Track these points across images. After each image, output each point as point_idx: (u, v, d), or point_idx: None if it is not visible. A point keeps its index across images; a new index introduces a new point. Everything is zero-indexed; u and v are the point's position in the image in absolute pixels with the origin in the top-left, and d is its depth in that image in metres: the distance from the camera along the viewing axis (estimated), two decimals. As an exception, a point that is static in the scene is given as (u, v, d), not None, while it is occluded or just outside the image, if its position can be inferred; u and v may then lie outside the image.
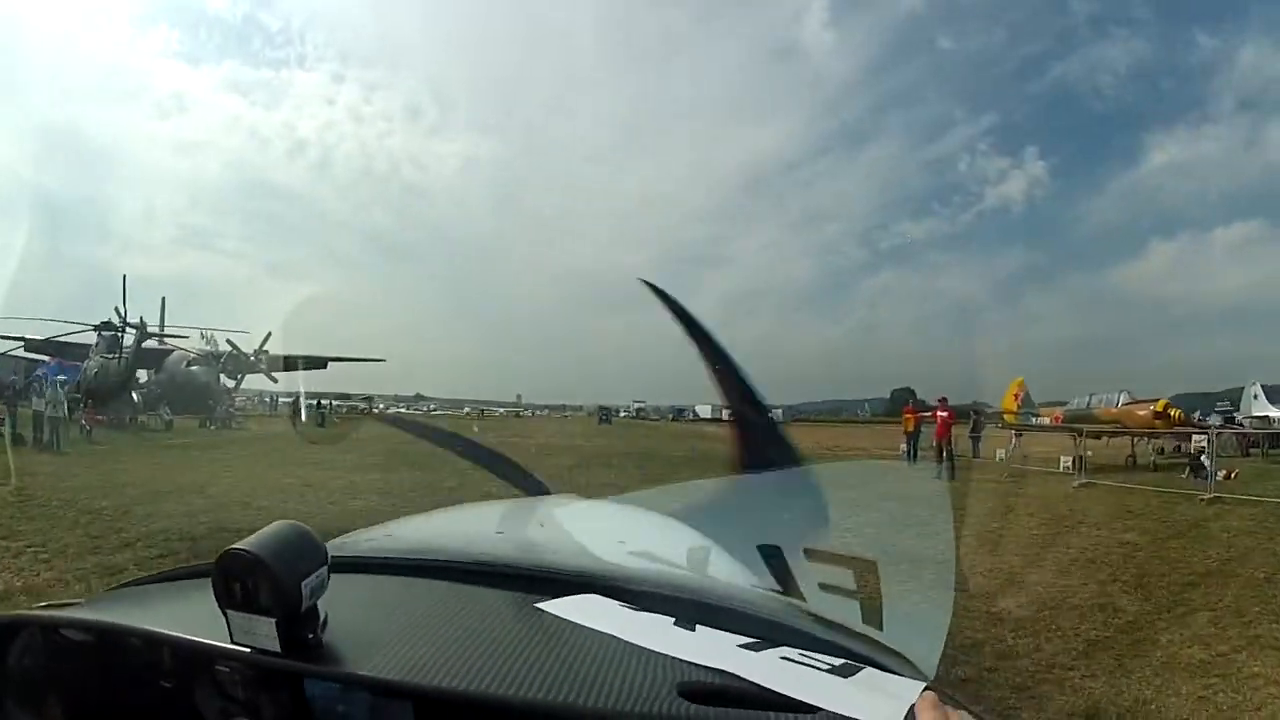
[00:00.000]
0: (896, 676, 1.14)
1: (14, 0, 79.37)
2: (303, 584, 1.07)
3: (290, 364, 52.41)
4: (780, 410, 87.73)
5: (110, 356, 39.63)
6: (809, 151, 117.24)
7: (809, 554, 1.84)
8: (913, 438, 25.45)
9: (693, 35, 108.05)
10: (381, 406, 73.23)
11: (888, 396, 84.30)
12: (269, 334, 50.47)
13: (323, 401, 71.60)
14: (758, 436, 2.84)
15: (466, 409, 76.41)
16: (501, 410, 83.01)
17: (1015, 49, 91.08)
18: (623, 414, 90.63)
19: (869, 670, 1.12)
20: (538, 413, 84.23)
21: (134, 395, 41.07)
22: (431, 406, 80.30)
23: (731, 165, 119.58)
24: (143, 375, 44.82)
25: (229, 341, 50.48)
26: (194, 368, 45.34)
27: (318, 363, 53.84)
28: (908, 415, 26.42)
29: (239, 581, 1.07)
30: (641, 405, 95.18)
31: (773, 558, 1.87)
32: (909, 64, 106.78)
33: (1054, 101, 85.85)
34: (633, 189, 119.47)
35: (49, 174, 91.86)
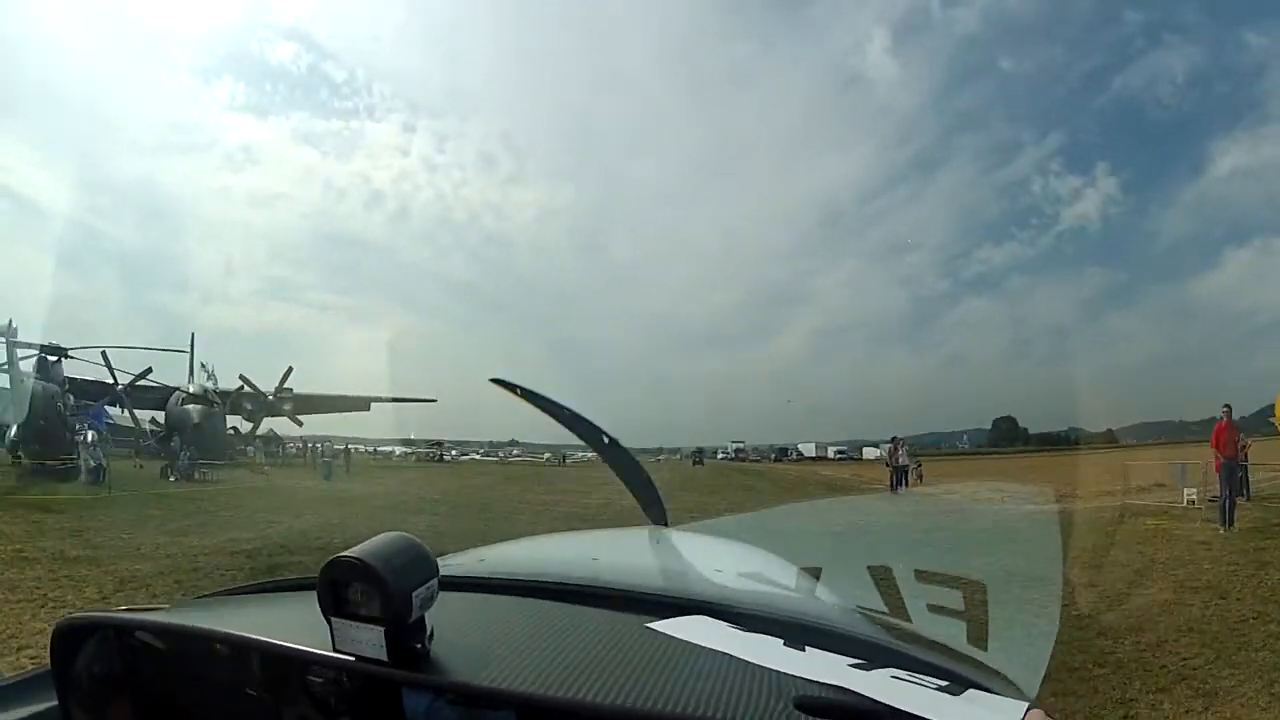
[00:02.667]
0: (1001, 697, 1.10)
1: (73, 53, 77.41)
2: (414, 594, 1.03)
3: (322, 405, 44.92)
4: (889, 445, 77.81)
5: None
6: (883, 181, 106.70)
7: (919, 575, 1.83)
8: (1228, 471, 15.63)
9: (758, 70, 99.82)
10: (454, 453, 66.75)
11: (988, 427, 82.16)
12: (289, 369, 43.39)
13: (379, 448, 65.92)
14: (622, 461, 2.98)
15: (547, 455, 69.09)
16: (590, 455, 70.78)
17: (1074, 64, 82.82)
18: (720, 455, 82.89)
19: (974, 690, 1.10)
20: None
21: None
22: (515, 452, 74.63)
23: (808, 200, 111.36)
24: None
25: (241, 378, 42.71)
26: (188, 407, 37.84)
27: (356, 404, 45.85)
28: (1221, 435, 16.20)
29: (347, 589, 1.03)
30: (740, 445, 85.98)
31: (882, 579, 1.85)
32: (973, 87, 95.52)
33: (1118, 115, 77.15)
34: (712, 228, 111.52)
35: (122, 227, 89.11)
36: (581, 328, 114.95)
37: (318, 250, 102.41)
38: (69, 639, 1.34)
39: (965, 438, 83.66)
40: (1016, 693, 1.20)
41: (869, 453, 78.99)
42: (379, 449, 67.00)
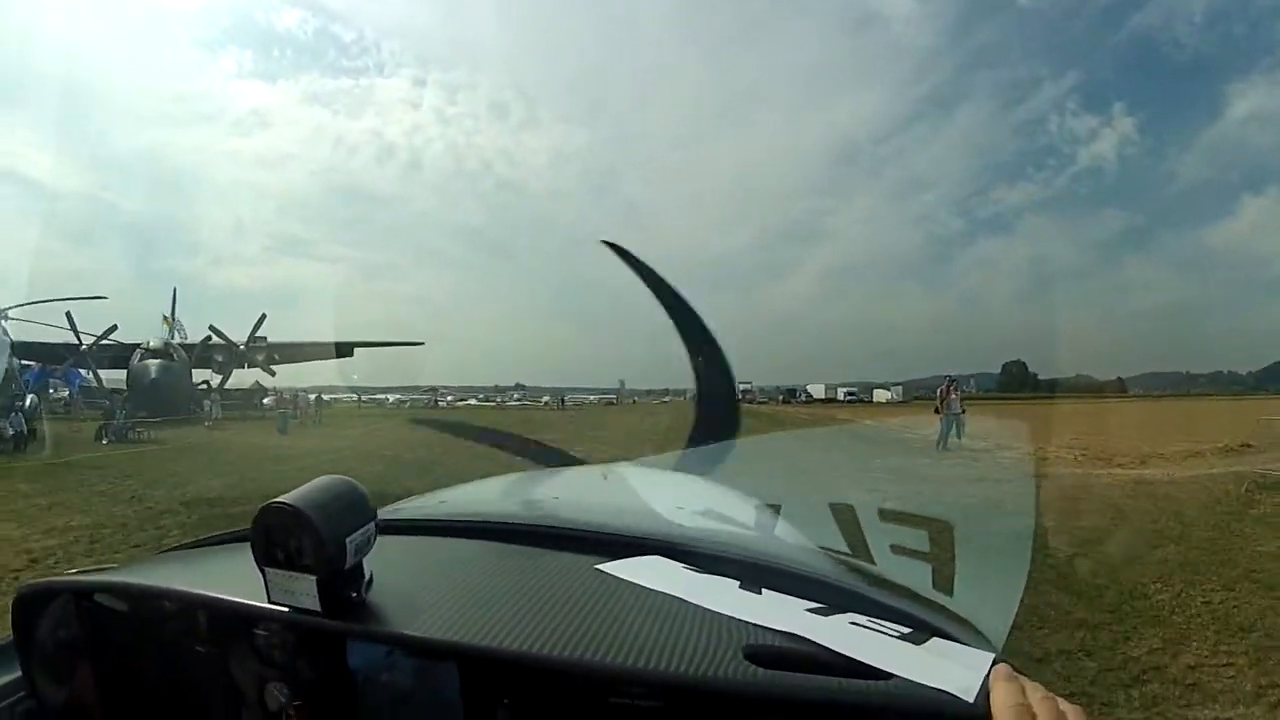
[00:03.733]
0: (966, 647, 1.04)
1: (77, 33, 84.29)
2: (347, 540, 0.99)
3: (303, 353, 41.85)
4: (899, 388, 79.92)
5: None
6: (900, 120, 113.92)
7: (882, 514, 1.80)
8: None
9: (772, 12, 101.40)
10: (449, 399, 64.88)
11: (997, 371, 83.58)
12: (261, 317, 40.30)
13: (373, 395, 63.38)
14: (718, 411, 2.90)
15: (545, 399, 70.56)
16: (593, 398, 77.27)
17: (1092, 1, 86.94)
18: None
19: (938, 640, 1.05)
20: (638, 399, 77.15)
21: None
22: (516, 397, 75.75)
23: (823, 140, 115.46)
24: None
25: (211, 329, 39.48)
26: (146, 362, 35.19)
27: (339, 350, 42.72)
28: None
29: (281, 537, 0.99)
30: (747, 386, 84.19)
31: (844, 517, 1.79)
32: (990, 23, 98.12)
33: (1135, 53, 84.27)
34: (726, 170, 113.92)
35: (131, 197, 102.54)
36: (592, 270, 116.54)
37: (328, 205, 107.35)
38: (27, 607, 1.31)
39: (971, 381, 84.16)
40: (983, 643, 1.12)
41: (879, 394, 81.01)
42: (374, 398, 66.75)
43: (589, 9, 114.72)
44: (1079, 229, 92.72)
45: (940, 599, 1.41)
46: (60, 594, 1.33)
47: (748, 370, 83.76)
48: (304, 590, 0.99)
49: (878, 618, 1.08)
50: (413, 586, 1.13)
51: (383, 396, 67.89)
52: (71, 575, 1.38)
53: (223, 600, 1.10)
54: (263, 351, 40.27)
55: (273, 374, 41.62)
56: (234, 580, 1.11)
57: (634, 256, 2.78)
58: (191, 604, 1.19)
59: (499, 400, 70.74)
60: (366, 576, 1.05)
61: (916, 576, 1.54)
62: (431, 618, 1.02)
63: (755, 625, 1.03)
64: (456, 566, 1.29)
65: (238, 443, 23.74)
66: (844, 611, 1.10)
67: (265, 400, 40.87)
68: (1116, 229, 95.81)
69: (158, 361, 35.06)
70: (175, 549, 1.66)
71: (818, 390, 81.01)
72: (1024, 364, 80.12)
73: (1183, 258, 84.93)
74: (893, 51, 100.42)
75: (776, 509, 1.94)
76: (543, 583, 1.18)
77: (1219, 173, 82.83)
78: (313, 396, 39.87)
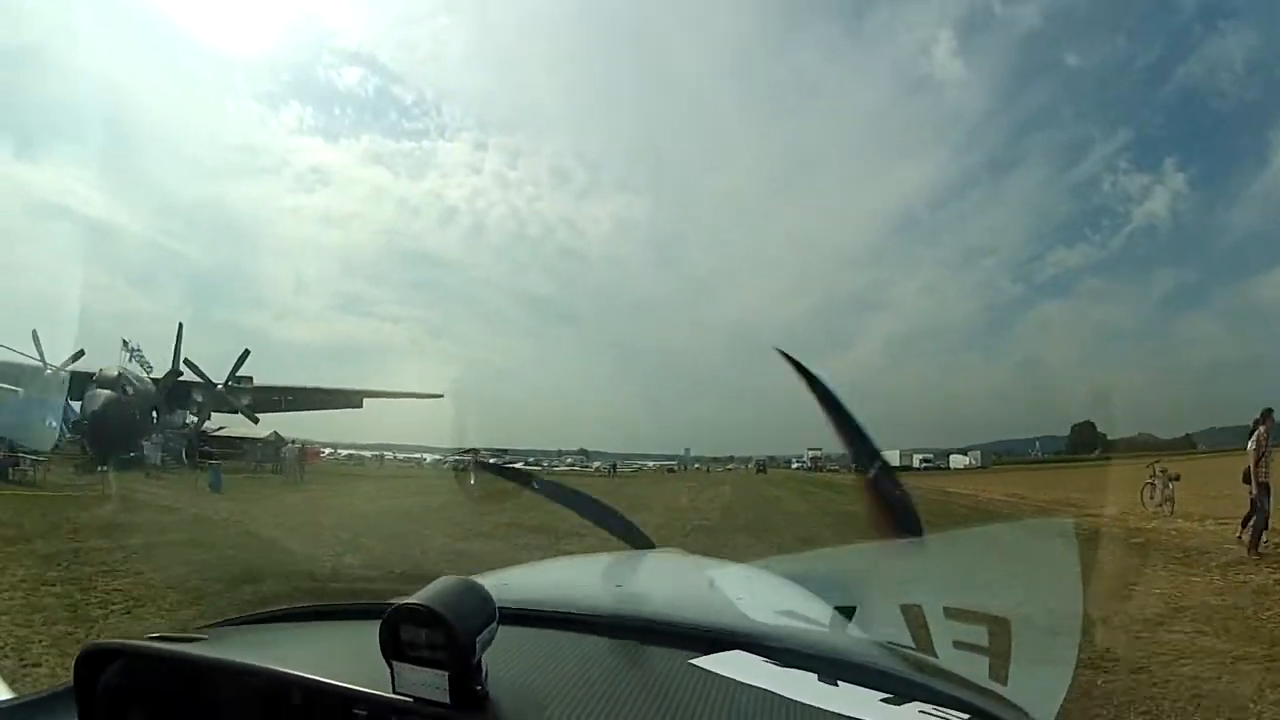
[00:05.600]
0: None
1: (136, 84, 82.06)
2: (477, 639, 1.04)
3: (297, 399, 34.69)
4: (978, 453, 74.83)
5: None
6: (955, 185, 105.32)
7: (948, 612, 1.78)
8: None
9: (823, 79, 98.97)
10: (492, 461, 57.60)
11: (1061, 433, 79.45)
12: (244, 354, 33.33)
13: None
14: (890, 497, 2.54)
15: (596, 464, 66.03)
16: (652, 465, 71.68)
17: (1136, 57, 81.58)
18: (795, 464, 75.45)
19: None
20: (700, 466, 72.26)
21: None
22: (569, 461, 70.64)
23: (881, 207, 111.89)
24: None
25: (186, 362, 32.36)
26: (96, 392, 29.19)
27: (342, 399, 35.60)
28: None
29: (410, 633, 1.03)
30: (818, 453, 76.49)
31: (912, 615, 1.81)
32: (1040, 85, 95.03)
33: (1180, 108, 74.78)
34: (785, 238, 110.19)
35: (194, 246, 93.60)
36: (655, 338, 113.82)
37: (392, 267, 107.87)
38: (93, 664, 1.29)
39: (1036, 445, 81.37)
40: None
41: (956, 460, 72.23)
42: (411, 457, 62.26)
43: (647, 75, 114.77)
44: (1135, 288, 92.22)
45: (997, 688, 1.43)
46: (130, 656, 1.31)
47: (817, 438, 78.30)
48: (434, 684, 1.02)
49: (943, 705, 1.15)
50: (528, 681, 1.17)
51: (420, 456, 62.62)
52: (149, 640, 1.36)
53: (341, 687, 1.11)
54: (247, 394, 33.17)
55: (255, 420, 34.62)
56: (340, 664, 1.16)
57: (803, 365, 2.58)
58: (289, 684, 1.17)
59: (546, 465, 63.57)
60: (485, 670, 1.07)
61: (976, 668, 1.57)
62: (551, 712, 1.08)
63: (837, 714, 1.08)
64: (563, 659, 1.32)
65: (139, 498, 17.62)
66: (913, 700, 1.16)
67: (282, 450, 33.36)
68: (1171, 286, 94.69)
69: (106, 393, 28.80)
70: (243, 620, 1.67)
71: (892, 457, 69.66)
72: (1092, 425, 73.65)
73: (1238, 310, 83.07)
74: (946, 117, 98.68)
75: (849, 609, 1.89)
76: (646, 678, 1.25)
77: (1270, 222, 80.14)
78: (298, 446, 32.08)
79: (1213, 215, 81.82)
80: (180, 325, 34.97)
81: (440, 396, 38.37)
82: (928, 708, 1.13)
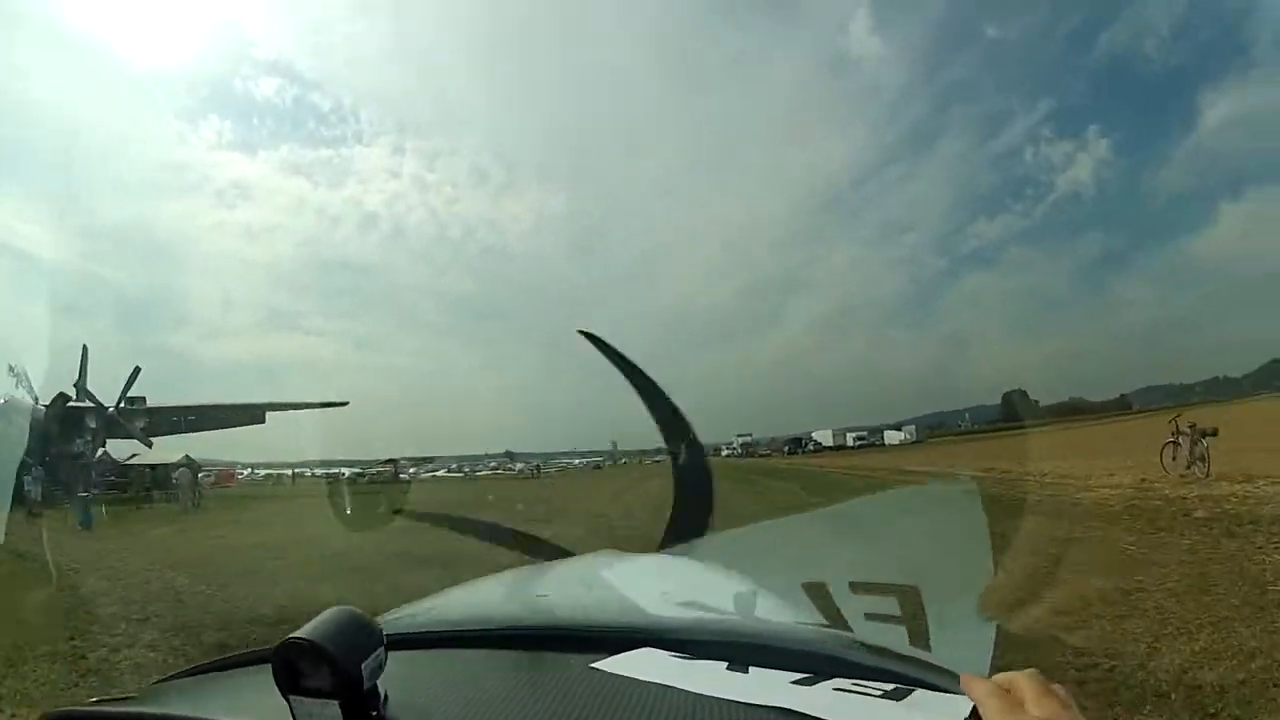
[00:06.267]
0: (948, 694, 1.09)
1: (58, 102, 79.66)
2: (362, 666, 1.04)
3: (195, 419, 32.70)
4: (913, 427, 75.64)
5: None
6: (877, 162, 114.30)
7: (853, 586, 1.87)
8: None
9: (743, 58, 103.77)
10: (412, 471, 56.90)
11: (994, 403, 79.70)
12: (135, 371, 30.97)
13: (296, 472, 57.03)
14: (697, 472, 3.05)
15: (519, 466, 63.69)
16: (579, 462, 70.43)
17: (1060, 25, 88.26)
18: (724, 452, 73.28)
19: (921, 691, 1.10)
20: (624, 460, 68.04)
21: None
22: (492, 465, 67.63)
23: (804, 186, 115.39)
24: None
25: (76, 385, 29.84)
26: None
27: (242, 415, 33.76)
28: None
29: (300, 667, 1.04)
30: (748, 438, 77.33)
31: (818, 594, 1.89)
32: (961, 58, 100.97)
33: (1105, 74, 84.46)
34: (709, 221, 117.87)
35: (120, 270, 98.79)
36: (580, 329, 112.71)
37: (315, 278, 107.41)
38: None
39: (966, 416, 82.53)
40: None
41: (890, 436, 73.27)
42: (330, 472, 57.20)
43: (563, 63, 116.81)
44: (1061, 255, 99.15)
45: (920, 654, 1.40)
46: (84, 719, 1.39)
47: (747, 421, 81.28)
48: (329, 715, 1.03)
49: (861, 679, 1.13)
50: (424, 702, 1.18)
51: (339, 471, 60.13)
52: (92, 704, 1.43)
53: None
54: (141, 416, 31.07)
55: (148, 445, 32.32)
56: (253, 707, 1.18)
57: (610, 346, 2.89)
58: None
59: (466, 471, 62.29)
60: (382, 695, 1.09)
61: (894, 637, 1.61)
62: None
63: (745, 704, 1.07)
64: (463, 678, 1.35)
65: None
66: (829, 678, 1.14)
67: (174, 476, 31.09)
68: (1099, 250, 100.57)
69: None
70: (185, 674, 1.69)
71: (825, 437, 73.56)
72: (1025, 392, 78.34)
73: (1167, 271, 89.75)
74: (866, 92, 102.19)
75: (756, 589, 1.88)
76: (545, 687, 1.25)
77: (1197, 183, 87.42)
78: (193, 472, 29.99)
79: (1139, 179, 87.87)
80: (85, 348, 32.52)
81: (345, 405, 37.36)
82: (844, 683, 1.12)
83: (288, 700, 1.05)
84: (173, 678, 1.72)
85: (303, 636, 1.03)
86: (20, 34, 74.05)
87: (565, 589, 2.28)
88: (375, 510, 21.27)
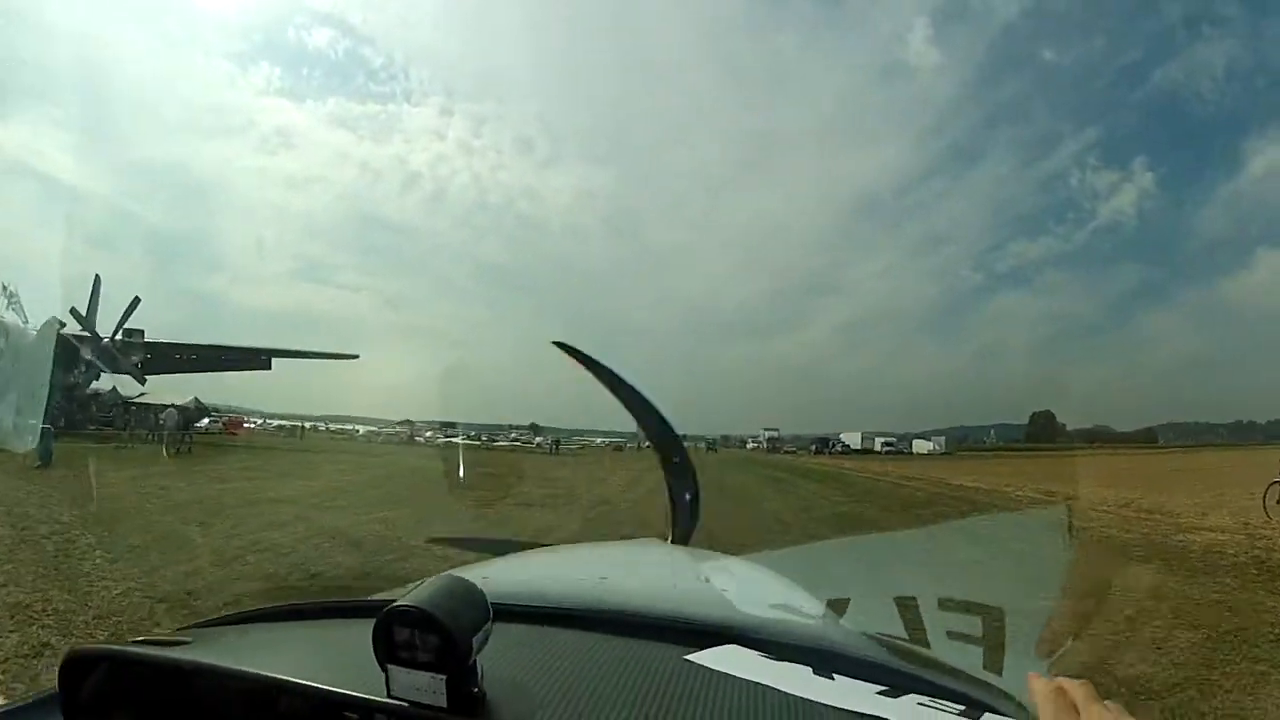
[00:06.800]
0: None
1: (108, 40, 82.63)
2: (473, 640, 1.01)
3: (196, 359, 30.65)
4: (942, 438, 73.71)
5: None
6: (921, 173, 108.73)
7: (942, 603, 1.86)
8: None
9: (799, 59, 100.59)
10: (428, 435, 55.92)
11: (1019, 421, 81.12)
12: (134, 301, 29.09)
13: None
14: (681, 470, 3.09)
15: (539, 439, 63.16)
16: (600, 441, 67.00)
17: (1115, 57, 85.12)
18: (750, 444, 74.36)
19: (990, 715, 1.12)
20: (647, 445, 63.10)
21: None
22: (512, 436, 67.20)
23: (845, 190, 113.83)
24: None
25: (73, 312, 27.76)
26: None
27: (245, 358, 31.66)
28: None
29: (404, 636, 1.00)
30: (775, 433, 76.15)
31: (906, 607, 1.87)
32: (1013, 78, 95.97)
33: (1157, 109, 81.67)
34: (747, 217, 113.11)
35: (154, 208, 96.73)
36: (611, 311, 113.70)
37: (352, 232, 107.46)
38: (77, 670, 1.26)
39: (991, 432, 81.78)
40: (1026, 715, 1.17)
41: (919, 445, 71.01)
42: (343, 429, 61.44)
43: (616, 48, 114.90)
44: (1097, 282, 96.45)
45: (991, 679, 1.45)
46: (115, 661, 1.29)
47: (770, 418, 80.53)
48: (431, 688, 1.00)
49: (938, 697, 1.15)
50: (523, 681, 1.16)
51: (353, 428, 61.14)
52: (132, 644, 1.33)
53: (335, 692, 1.08)
54: (137, 351, 29.00)
55: (142, 381, 30.30)
56: (331, 667, 1.14)
57: (587, 356, 2.96)
58: (282, 689, 1.14)
59: (484, 440, 60.68)
60: (480, 671, 1.05)
61: (970, 658, 1.62)
62: (549, 713, 1.06)
63: (834, 707, 1.08)
64: (558, 658, 1.30)
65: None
66: (909, 693, 1.16)
67: (161, 416, 29.18)
68: (1135, 283, 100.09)
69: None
70: (230, 620, 1.64)
71: (853, 440, 71.94)
72: (1052, 415, 77.57)
73: (1200, 311, 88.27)
74: (916, 104, 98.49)
75: (843, 602, 1.90)
76: (640, 674, 1.23)
77: (1237, 227, 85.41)
78: (184, 415, 27.81)
79: (1180, 216, 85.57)
80: (97, 277, 30.77)
81: (355, 357, 35.59)
82: (924, 699, 1.13)
83: (384, 669, 1.00)
84: (212, 623, 1.64)
85: (414, 604, 0.98)
86: (74, -38, 73.48)
87: (630, 573, 2.24)
88: (361, 473, 19.62)
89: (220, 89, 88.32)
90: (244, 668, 1.18)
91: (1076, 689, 0.90)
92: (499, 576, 2.11)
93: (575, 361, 3.06)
